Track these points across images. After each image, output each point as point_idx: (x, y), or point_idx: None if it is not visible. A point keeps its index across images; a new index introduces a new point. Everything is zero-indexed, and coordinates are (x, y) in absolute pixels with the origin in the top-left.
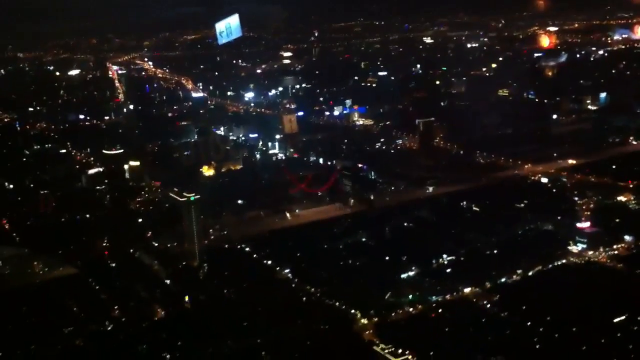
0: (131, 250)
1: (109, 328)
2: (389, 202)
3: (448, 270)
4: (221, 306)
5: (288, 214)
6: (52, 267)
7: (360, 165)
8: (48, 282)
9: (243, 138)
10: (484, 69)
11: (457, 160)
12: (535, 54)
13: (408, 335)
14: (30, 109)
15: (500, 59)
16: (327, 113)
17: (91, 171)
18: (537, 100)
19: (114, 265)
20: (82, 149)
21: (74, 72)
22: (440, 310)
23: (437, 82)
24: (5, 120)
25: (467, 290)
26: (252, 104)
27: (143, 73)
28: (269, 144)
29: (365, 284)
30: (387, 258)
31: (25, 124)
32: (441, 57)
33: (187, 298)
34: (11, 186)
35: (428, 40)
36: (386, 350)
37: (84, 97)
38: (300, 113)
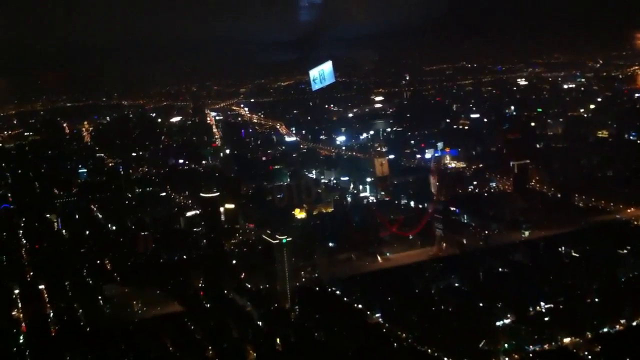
0: (225, 291)
1: None
2: (483, 245)
3: (546, 319)
4: (312, 349)
5: (379, 257)
6: (150, 306)
7: (452, 209)
8: (146, 321)
9: (334, 181)
10: (581, 110)
11: (554, 203)
12: (636, 94)
13: None
14: (133, 153)
15: (599, 99)
16: (419, 156)
17: (189, 213)
18: (639, 141)
19: (208, 305)
20: (181, 192)
21: (174, 118)
22: None
23: (532, 124)
24: (110, 164)
25: (566, 340)
26: (344, 148)
27: (239, 118)
28: (360, 186)
29: (458, 330)
30: (481, 304)
31: (128, 168)
32: (536, 98)
33: (278, 340)
34: (114, 227)
35: (522, 81)
36: None
37: (183, 142)
38: (392, 156)
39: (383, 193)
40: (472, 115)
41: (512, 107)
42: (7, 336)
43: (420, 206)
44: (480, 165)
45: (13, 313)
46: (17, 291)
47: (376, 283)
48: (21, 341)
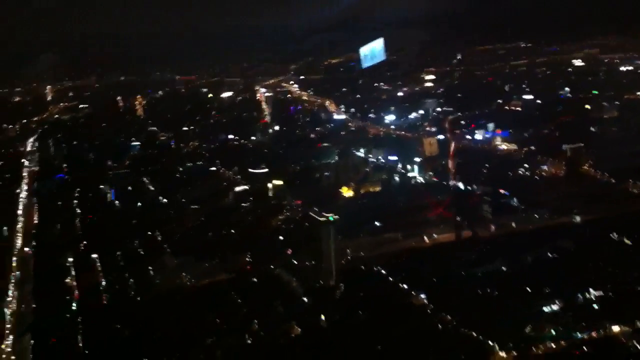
0: (271, 267)
1: (248, 342)
2: (532, 230)
3: (594, 306)
4: (356, 328)
5: (425, 238)
6: (198, 279)
7: (501, 191)
8: (194, 292)
9: (382, 160)
10: (638, 93)
11: (607, 188)
12: None
13: None
14: (185, 128)
15: None
16: (469, 137)
17: (237, 189)
18: None
19: (255, 280)
20: (230, 167)
21: (225, 94)
22: (585, 348)
23: (587, 107)
24: (162, 138)
25: (615, 328)
26: (393, 127)
27: (288, 95)
28: (408, 166)
29: (503, 314)
30: (528, 289)
31: (179, 142)
32: (592, 80)
33: (323, 317)
34: (165, 200)
35: (578, 62)
36: None
37: (233, 118)
38: (441, 136)
39: (431, 174)
40: (525, 97)
41: (567, 89)
42: (60, 304)
43: (469, 188)
44: (532, 148)
45: (66, 281)
46: (70, 260)
47: (422, 264)
48: (74, 308)
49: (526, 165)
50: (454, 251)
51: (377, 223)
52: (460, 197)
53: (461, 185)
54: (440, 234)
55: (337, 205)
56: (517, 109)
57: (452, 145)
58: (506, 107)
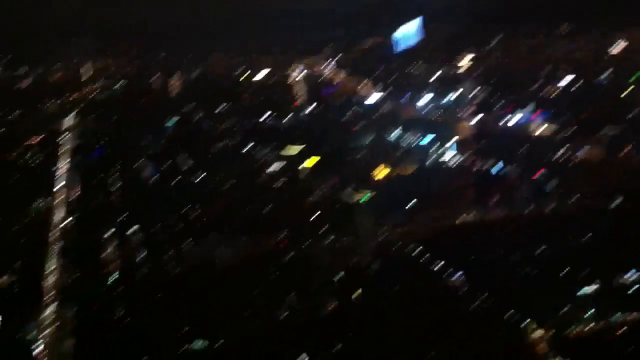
0: (306, 244)
1: (284, 316)
2: (569, 213)
3: (636, 287)
4: (390, 307)
5: (462, 219)
6: (233, 256)
7: (538, 174)
8: (228, 269)
9: (417, 142)
10: None
11: None
12: None
13: (586, 353)
14: (219, 107)
15: None
16: (506, 119)
17: (271, 168)
18: None
19: (290, 257)
20: (263, 147)
21: (260, 73)
22: (624, 330)
23: (632, 89)
24: (197, 117)
25: None
26: (428, 108)
27: (323, 76)
28: (444, 149)
29: (541, 295)
30: (566, 271)
31: (214, 121)
32: (635, 63)
33: (357, 295)
34: (199, 178)
35: (622, 42)
36: None
37: (268, 98)
38: (477, 119)
39: (467, 156)
40: (565, 79)
41: (608, 72)
42: (97, 278)
43: (506, 170)
44: (571, 131)
45: (105, 254)
46: (109, 233)
47: (459, 245)
48: (113, 280)
49: (564, 148)
50: (491, 233)
51: (412, 204)
52: (496, 179)
53: (497, 168)
54: (476, 216)
55: (372, 186)
56: (557, 91)
57: (489, 127)
58: (546, 90)
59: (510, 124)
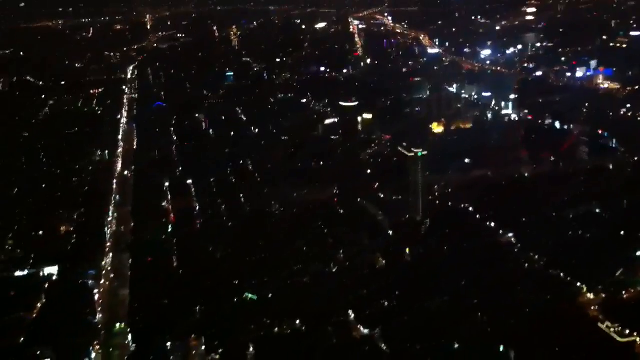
0: (358, 200)
1: (334, 270)
2: (630, 173)
3: None
4: (440, 263)
5: (516, 177)
6: (286, 208)
7: (600, 132)
8: (282, 220)
9: (475, 96)
10: None
11: None
12: None
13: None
14: (277, 59)
15: None
16: (569, 74)
17: (327, 121)
18: None
19: (342, 212)
20: (321, 99)
21: (318, 25)
22: None
23: None
24: (255, 69)
25: None
26: (488, 62)
27: (382, 28)
28: (503, 104)
29: (594, 257)
30: (622, 233)
31: (272, 73)
32: None
33: (407, 251)
34: (256, 130)
35: None
36: (612, 329)
37: (325, 50)
38: (539, 73)
39: (526, 112)
40: (633, 33)
41: None
42: (157, 226)
43: (566, 127)
44: (637, 88)
45: (163, 204)
46: (167, 184)
47: (511, 203)
48: (169, 230)
49: (628, 105)
50: (546, 191)
51: (467, 160)
52: (556, 136)
53: (558, 124)
54: (532, 172)
55: (426, 141)
56: (623, 46)
57: (551, 82)
58: (611, 44)
59: (572, 78)
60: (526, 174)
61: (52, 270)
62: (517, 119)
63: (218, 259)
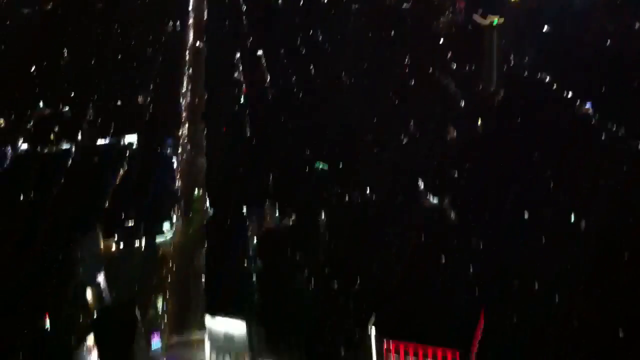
0: (430, 70)
1: (404, 142)
2: None
3: None
4: (512, 135)
5: (599, 46)
6: (358, 79)
7: None
8: (352, 90)
9: None
10: None
11: None
12: None
13: None
14: None
15: None
16: None
17: None
18: None
19: (412, 82)
20: None
21: None
22: None
23: None
24: None
25: None
26: None
27: None
28: None
29: None
30: None
31: None
32: None
33: (479, 122)
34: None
35: None
36: None
37: None
38: None
39: None
40: None
41: None
42: (229, 95)
43: None
44: None
45: (235, 75)
46: (237, 55)
47: (590, 70)
48: (242, 101)
49: None
50: (629, 60)
51: (545, 28)
52: None
53: None
54: (616, 41)
55: (503, 9)
56: None
57: None
58: None
59: None
60: (609, 41)
61: (132, 139)
62: None
63: (290, 129)
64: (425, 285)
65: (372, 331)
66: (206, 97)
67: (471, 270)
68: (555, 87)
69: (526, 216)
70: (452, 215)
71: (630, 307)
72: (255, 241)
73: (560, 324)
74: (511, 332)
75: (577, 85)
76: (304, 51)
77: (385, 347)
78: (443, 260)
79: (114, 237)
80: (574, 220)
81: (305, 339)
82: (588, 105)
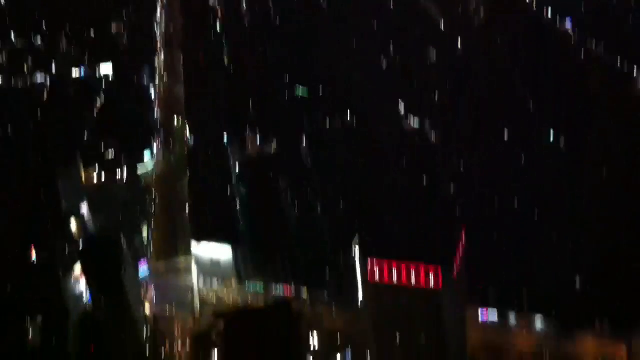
0: None
1: (384, 66)
2: None
3: None
4: (495, 56)
5: None
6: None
7: None
8: (331, 17)
9: None
10: None
11: None
12: None
13: None
14: None
15: None
16: None
17: None
18: None
19: (391, 5)
20: None
21: None
22: None
23: None
24: None
25: None
26: None
27: None
28: None
29: None
30: None
31: None
32: None
33: (459, 45)
34: None
35: None
36: None
37: None
38: None
39: None
40: None
41: None
42: (207, 24)
43: None
44: None
45: (210, 2)
46: None
47: None
48: (219, 30)
49: None
50: None
51: None
52: None
53: None
54: None
55: None
56: None
57: None
58: None
59: None
60: None
61: (107, 68)
62: None
63: (268, 56)
64: (407, 205)
65: (356, 251)
66: (181, 24)
67: (452, 189)
68: (534, 5)
69: (506, 136)
70: (433, 136)
71: (606, 220)
72: (237, 168)
73: (540, 240)
74: (492, 250)
75: (557, 2)
76: None
77: (369, 266)
78: (424, 181)
79: (95, 168)
80: (553, 139)
81: (290, 260)
82: (568, 25)
